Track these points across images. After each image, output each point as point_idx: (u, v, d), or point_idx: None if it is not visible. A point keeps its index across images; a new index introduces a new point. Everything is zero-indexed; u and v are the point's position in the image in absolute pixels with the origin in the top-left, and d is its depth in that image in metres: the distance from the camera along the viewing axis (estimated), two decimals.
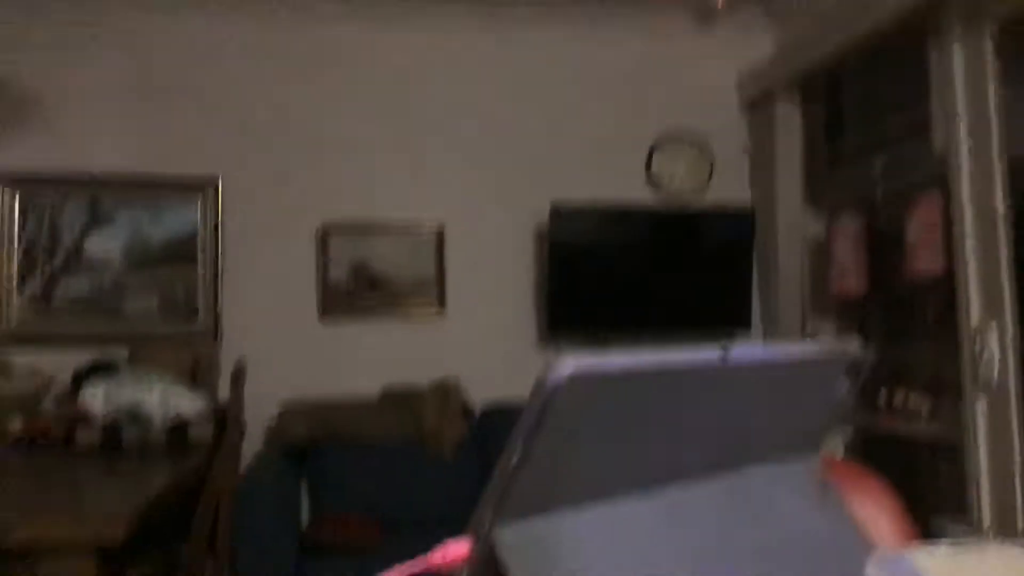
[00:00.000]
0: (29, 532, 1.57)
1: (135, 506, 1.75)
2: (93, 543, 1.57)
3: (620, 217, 3.51)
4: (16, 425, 2.70)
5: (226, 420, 2.37)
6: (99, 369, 2.86)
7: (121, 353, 3.10)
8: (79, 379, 2.80)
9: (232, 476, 2.41)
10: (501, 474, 0.42)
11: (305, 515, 3.01)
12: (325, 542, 2.74)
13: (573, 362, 0.41)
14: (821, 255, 3.53)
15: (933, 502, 2.84)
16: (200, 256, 3.35)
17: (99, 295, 3.28)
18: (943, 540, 0.46)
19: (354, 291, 3.45)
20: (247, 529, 2.53)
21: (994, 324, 2.45)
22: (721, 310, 3.58)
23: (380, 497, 3.01)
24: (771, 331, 3.62)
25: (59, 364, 3.01)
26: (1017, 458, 2.38)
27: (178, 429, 2.62)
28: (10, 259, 3.24)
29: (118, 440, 2.56)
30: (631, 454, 0.47)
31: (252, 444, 3.15)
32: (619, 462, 0.47)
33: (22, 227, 3.25)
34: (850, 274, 3.27)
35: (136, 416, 2.58)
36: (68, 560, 1.56)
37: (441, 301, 3.51)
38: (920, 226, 2.85)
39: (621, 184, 3.65)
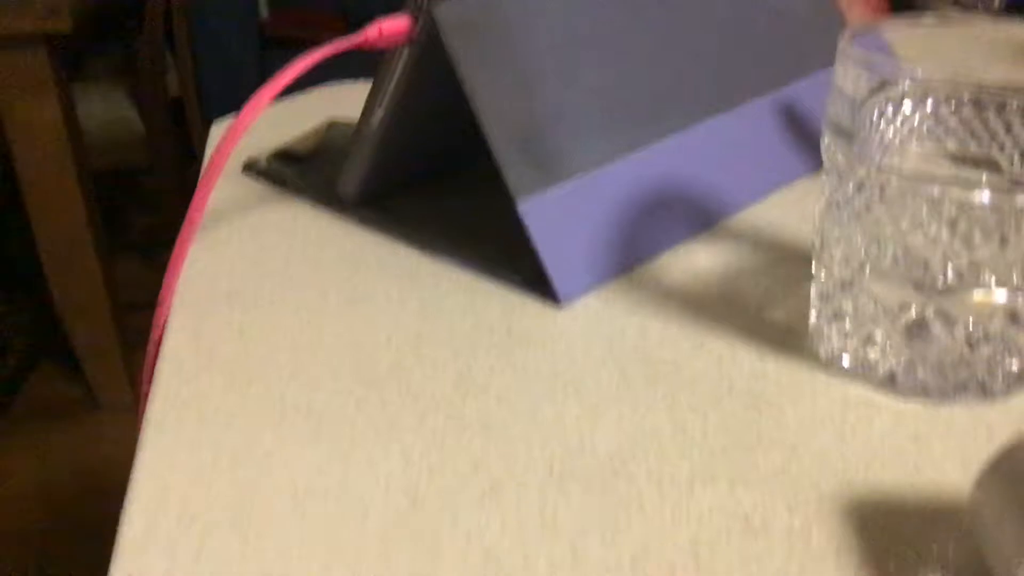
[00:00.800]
0: None
1: None
2: (40, 31, 1.51)
3: None
4: None
5: None
6: None
7: None
8: None
9: None
10: None
11: (264, 10, 2.90)
12: (287, 36, 2.68)
13: None
14: None
15: None
16: None
17: None
18: (916, 14, 0.44)
19: None
20: (204, 22, 2.45)
21: None
22: None
23: None
24: None
25: None
26: None
27: None
28: None
29: None
30: None
31: None
32: None
33: None
34: None
35: None
36: (18, 53, 1.51)
37: None
38: None
39: None
